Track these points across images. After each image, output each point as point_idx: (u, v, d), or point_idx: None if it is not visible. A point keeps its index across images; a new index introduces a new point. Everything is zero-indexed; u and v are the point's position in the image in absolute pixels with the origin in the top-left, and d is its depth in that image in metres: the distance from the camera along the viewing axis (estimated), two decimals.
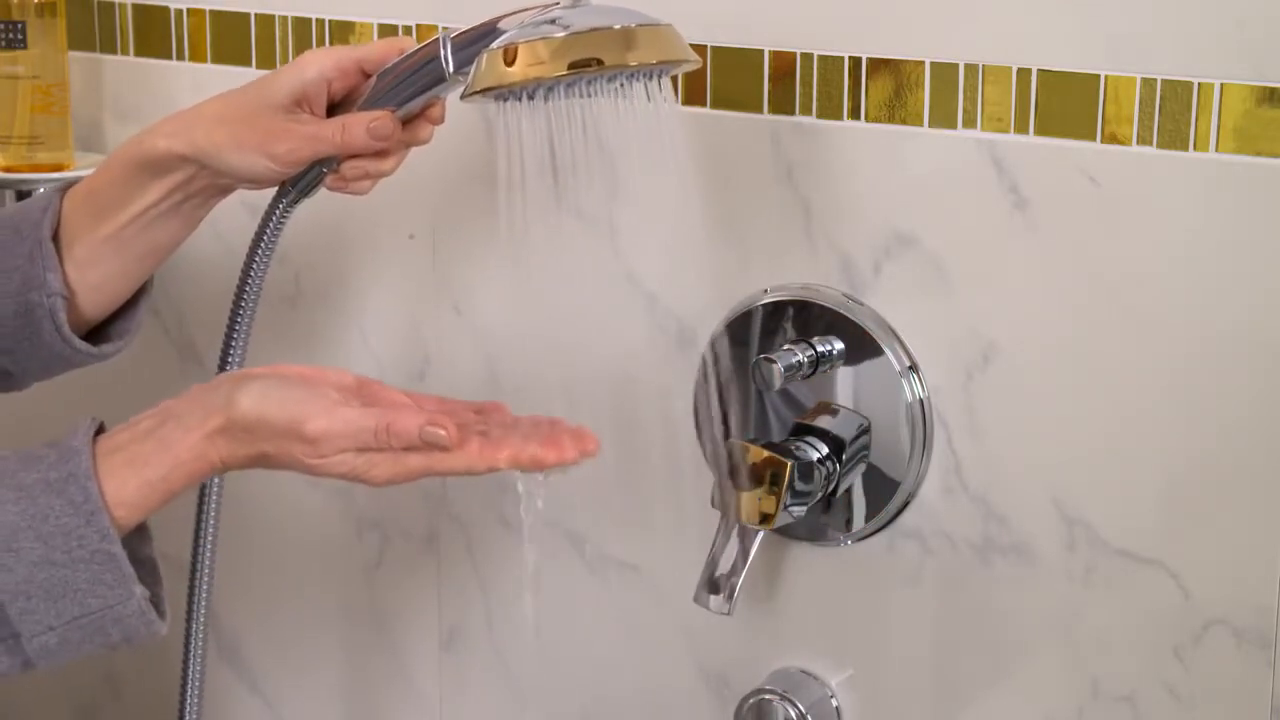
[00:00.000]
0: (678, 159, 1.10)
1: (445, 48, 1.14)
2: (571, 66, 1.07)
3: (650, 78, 1.10)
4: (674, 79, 1.14)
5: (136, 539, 1.07)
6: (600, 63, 1.07)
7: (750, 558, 1.24)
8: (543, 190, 1.09)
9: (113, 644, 1.04)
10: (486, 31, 1.11)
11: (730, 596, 1.24)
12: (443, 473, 1.07)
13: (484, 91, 1.09)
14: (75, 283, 1.22)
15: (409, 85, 1.17)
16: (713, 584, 1.25)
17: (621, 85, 1.10)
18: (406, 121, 1.18)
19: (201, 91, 1.48)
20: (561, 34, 1.07)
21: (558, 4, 1.10)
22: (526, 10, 1.11)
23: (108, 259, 1.22)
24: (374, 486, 1.08)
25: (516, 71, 1.07)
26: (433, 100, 1.18)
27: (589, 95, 1.09)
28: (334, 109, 1.20)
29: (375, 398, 1.10)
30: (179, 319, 1.57)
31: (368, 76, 1.19)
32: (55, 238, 1.21)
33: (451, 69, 1.14)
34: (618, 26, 1.08)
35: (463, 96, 1.11)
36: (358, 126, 1.16)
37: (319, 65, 1.18)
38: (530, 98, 1.08)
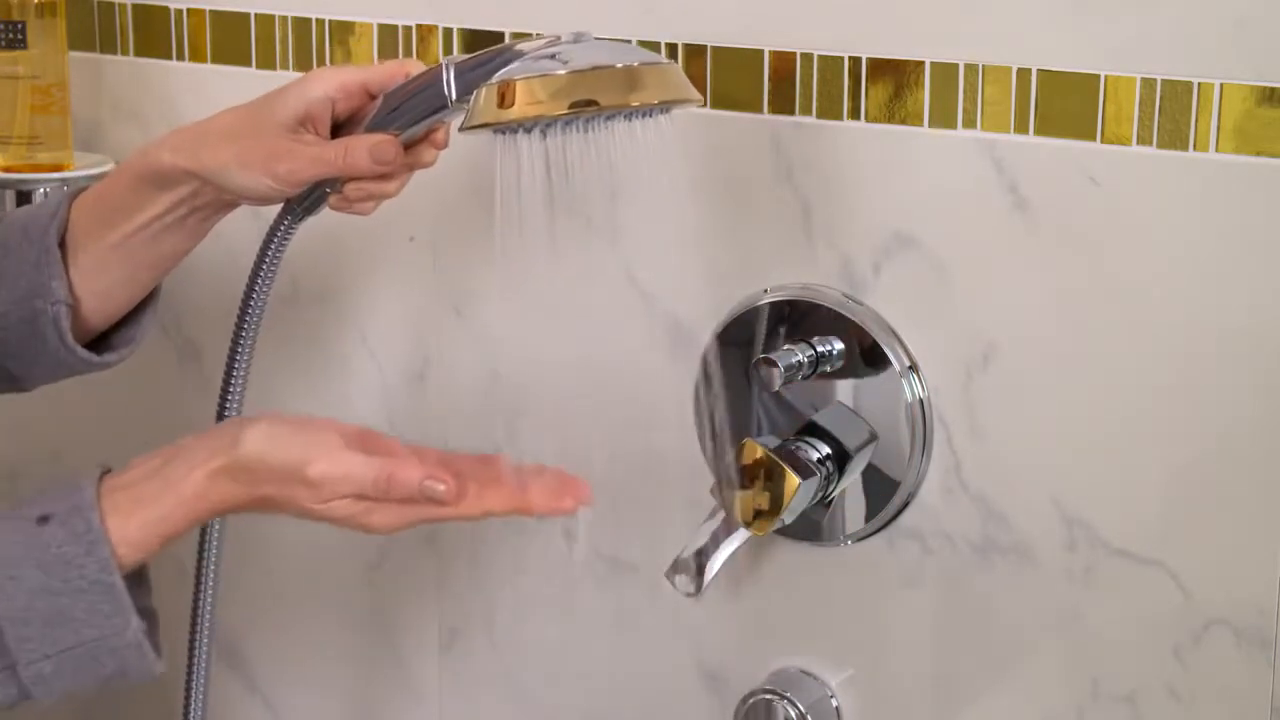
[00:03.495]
0: (679, 194, 1.10)
1: (448, 73, 1.14)
2: (571, 107, 1.06)
3: (651, 116, 1.10)
4: None
5: (138, 588, 1.07)
6: (599, 104, 1.07)
7: (729, 544, 1.24)
8: (541, 220, 1.09)
9: (107, 676, 1.05)
10: (490, 59, 1.11)
11: (696, 577, 1.24)
12: (440, 520, 1.09)
13: (482, 126, 1.09)
14: (80, 290, 1.22)
15: (413, 109, 1.16)
16: (683, 563, 1.25)
17: (622, 122, 1.09)
18: (410, 145, 1.18)
19: (201, 91, 1.48)
20: (562, 71, 1.06)
21: (560, 38, 1.10)
22: (530, 41, 1.10)
23: (113, 268, 1.22)
24: (371, 534, 1.09)
25: (515, 110, 1.06)
26: (436, 125, 1.18)
27: (589, 131, 1.09)
28: (339, 129, 1.20)
29: (377, 447, 1.10)
30: (178, 321, 1.57)
31: (373, 97, 1.19)
32: (63, 245, 1.21)
33: (454, 96, 1.14)
34: (620, 65, 1.07)
35: (461, 129, 1.11)
36: (360, 150, 1.16)
37: (324, 85, 1.18)
38: (529, 132, 1.08)
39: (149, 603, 1.08)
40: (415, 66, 1.19)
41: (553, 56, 1.07)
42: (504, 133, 1.08)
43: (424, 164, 1.20)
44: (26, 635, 1.02)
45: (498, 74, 1.08)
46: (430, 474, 1.06)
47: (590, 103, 1.06)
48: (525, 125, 1.07)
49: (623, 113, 1.08)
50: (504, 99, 1.07)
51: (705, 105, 1.29)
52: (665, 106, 1.09)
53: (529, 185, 1.08)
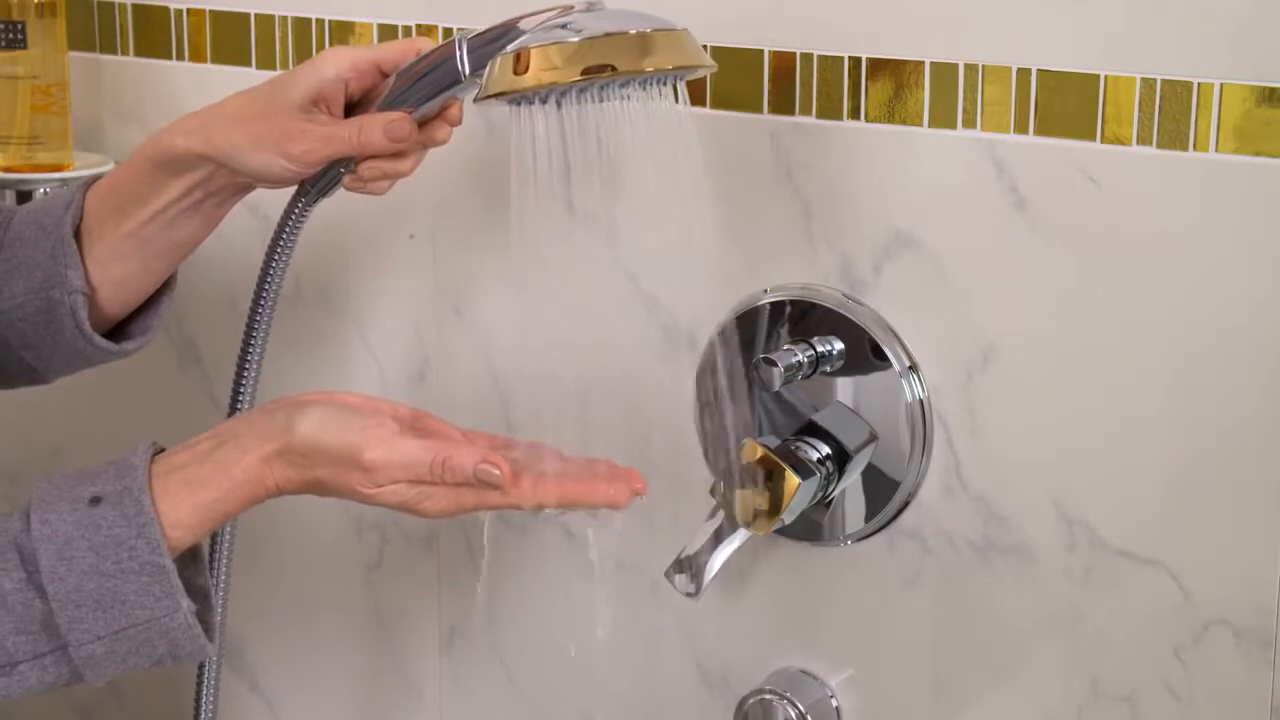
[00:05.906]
0: (692, 163, 1.10)
1: (461, 49, 1.14)
2: (585, 72, 1.06)
3: (665, 83, 1.10)
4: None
5: (192, 567, 1.09)
6: (614, 69, 1.07)
7: (729, 544, 1.24)
8: (554, 192, 1.09)
9: (159, 657, 1.06)
10: (502, 33, 1.11)
11: (696, 576, 1.24)
12: (492, 508, 1.09)
13: (497, 96, 1.09)
14: (97, 280, 1.22)
15: (426, 86, 1.16)
16: (683, 563, 1.25)
17: (636, 90, 1.09)
18: (424, 122, 1.18)
19: (201, 91, 1.48)
20: (575, 39, 1.07)
21: (573, 7, 1.10)
22: (542, 12, 1.10)
23: (129, 256, 1.22)
24: (424, 518, 1.09)
25: (529, 77, 1.07)
26: (450, 101, 1.18)
27: (603, 100, 1.09)
28: (351, 109, 1.20)
29: (430, 431, 1.12)
30: (178, 320, 1.57)
31: (385, 76, 1.19)
32: (78, 234, 1.22)
33: (467, 71, 1.14)
34: (633, 32, 1.07)
35: (476, 100, 1.11)
36: (374, 127, 1.16)
37: (336, 65, 1.18)
38: (544, 102, 1.08)
39: (203, 581, 1.09)
40: (426, 44, 1.19)
41: (565, 26, 1.08)
42: (518, 103, 1.08)
43: (438, 141, 1.20)
44: (78, 617, 1.03)
45: (511, 45, 1.08)
46: (485, 458, 1.07)
47: (604, 68, 1.06)
48: (540, 94, 1.08)
49: (637, 80, 1.08)
50: (518, 67, 1.07)
51: (705, 105, 1.29)
52: (679, 73, 1.09)
53: (544, 158, 1.08)
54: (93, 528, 1.03)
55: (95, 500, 1.04)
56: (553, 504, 1.09)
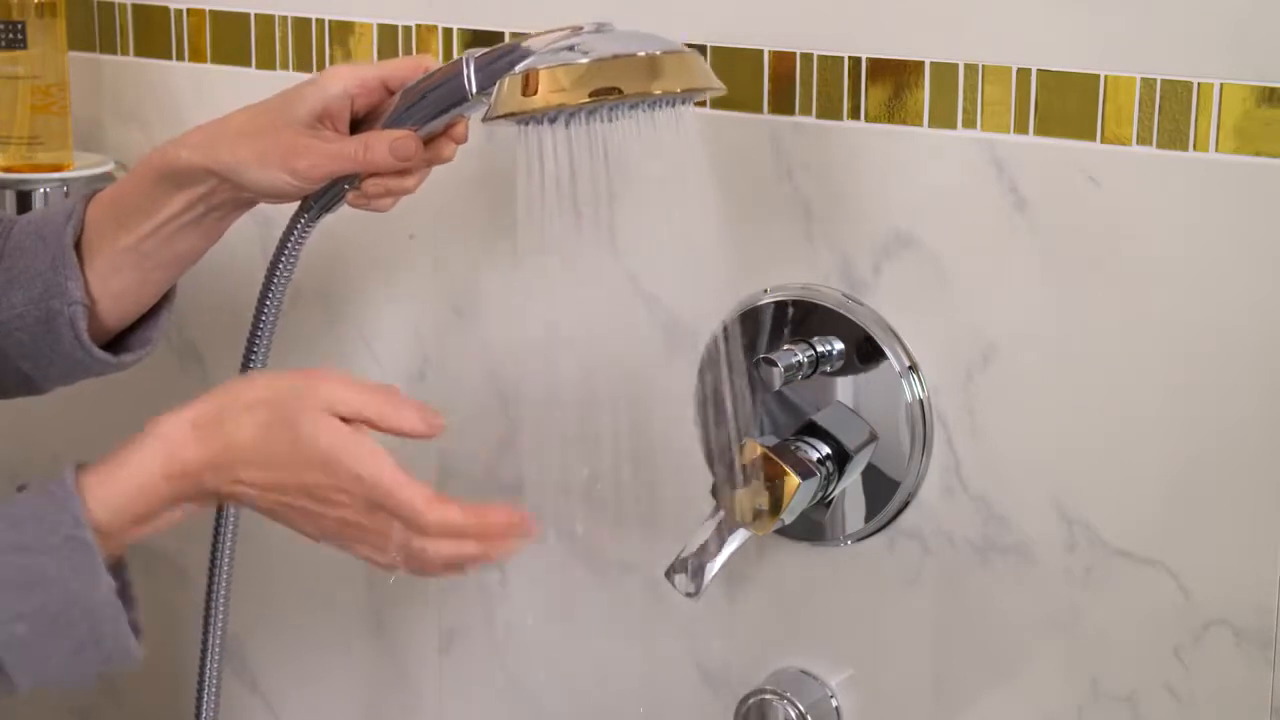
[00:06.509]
0: (697, 173, 1.10)
1: (468, 67, 1.14)
2: (593, 94, 1.07)
3: (673, 105, 1.10)
4: None
5: (116, 576, 1.05)
6: (621, 91, 1.07)
7: (729, 544, 1.24)
8: (560, 207, 1.10)
9: (80, 640, 1.03)
10: (509, 51, 1.11)
11: (696, 576, 1.24)
12: (393, 488, 1.05)
13: (505, 116, 1.09)
14: (96, 291, 1.22)
15: (432, 104, 1.17)
16: (683, 563, 1.25)
17: (644, 112, 1.09)
18: (429, 140, 1.18)
19: (201, 92, 1.48)
20: (584, 60, 1.07)
21: (582, 28, 1.10)
22: (551, 32, 1.11)
23: (129, 268, 1.22)
24: (349, 481, 1.05)
25: (539, 98, 1.07)
26: (455, 119, 1.18)
27: (611, 120, 1.09)
28: (357, 126, 1.20)
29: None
30: (179, 324, 1.57)
31: (391, 93, 1.19)
32: (78, 245, 1.21)
33: (474, 89, 1.14)
34: (641, 54, 1.07)
35: (484, 120, 1.11)
36: (380, 145, 1.16)
37: (343, 82, 1.19)
38: (552, 122, 1.08)
39: (127, 583, 1.06)
40: (431, 62, 1.19)
41: (572, 47, 1.08)
42: (526, 123, 1.09)
43: (443, 159, 1.20)
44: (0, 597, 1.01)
45: (520, 65, 1.08)
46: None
47: (612, 90, 1.06)
48: (548, 115, 1.08)
49: (645, 102, 1.08)
50: (527, 88, 1.07)
51: (705, 105, 1.29)
52: (688, 95, 1.09)
53: (551, 178, 1.09)
54: (15, 504, 1.03)
55: (21, 488, 1.05)
56: (454, 520, 1.05)
